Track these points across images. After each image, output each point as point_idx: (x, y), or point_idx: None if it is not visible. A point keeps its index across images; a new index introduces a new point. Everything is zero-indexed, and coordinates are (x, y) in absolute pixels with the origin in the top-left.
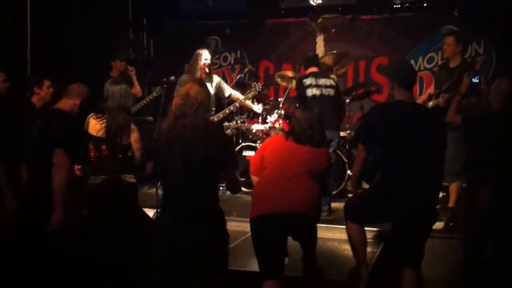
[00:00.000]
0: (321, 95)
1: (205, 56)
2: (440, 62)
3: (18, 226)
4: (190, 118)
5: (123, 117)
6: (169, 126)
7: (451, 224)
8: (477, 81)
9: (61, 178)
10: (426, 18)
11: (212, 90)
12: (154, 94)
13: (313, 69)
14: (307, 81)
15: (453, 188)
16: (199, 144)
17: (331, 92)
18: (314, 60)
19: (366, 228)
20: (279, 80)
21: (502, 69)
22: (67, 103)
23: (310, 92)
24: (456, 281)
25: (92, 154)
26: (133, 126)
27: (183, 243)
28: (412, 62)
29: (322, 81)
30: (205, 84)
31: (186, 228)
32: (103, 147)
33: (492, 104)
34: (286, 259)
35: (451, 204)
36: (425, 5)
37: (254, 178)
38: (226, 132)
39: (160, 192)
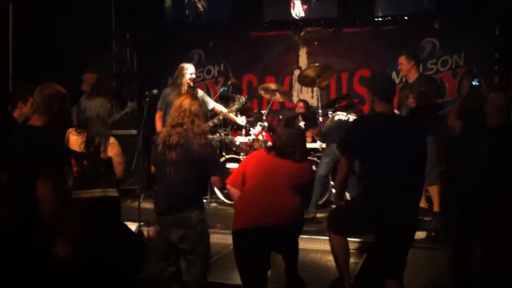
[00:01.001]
0: None
1: (190, 70)
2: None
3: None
4: (186, 127)
5: (100, 129)
6: (166, 135)
7: (433, 234)
8: (478, 83)
9: (52, 207)
10: (407, 31)
11: None
12: (127, 110)
13: None
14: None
15: (434, 191)
16: (194, 149)
17: None
18: None
19: (349, 239)
20: (262, 92)
21: (481, 81)
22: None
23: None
24: None
25: (75, 169)
26: (113, 140)
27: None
28: (393, 74)
29: None
30: (197, 97)
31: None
32: (85, 162)
33: (489, 116)
34: (269, 272)
35: (435, 208)
36: (406, 18)
37: (232, 190)
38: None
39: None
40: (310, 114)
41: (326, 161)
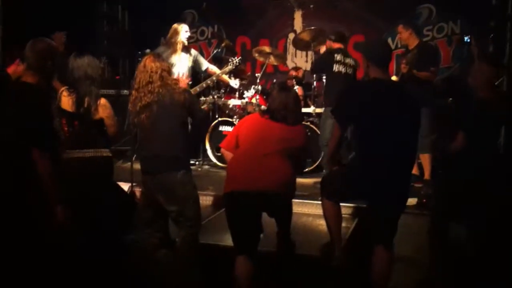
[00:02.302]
0: (346, 73)
1: (185, 28)
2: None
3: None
4: (157, 84)
5: (89, 89)
6: (136, 98)
7: (424, 200)
8: (469, 40)
9: (47, 168)
10: None
11: (189, 63)
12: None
13: (340, 45)
14: (338, 56)
15: (426, 160)
16: (176, 100)
17: (351, 72)
18: (343, 37)
19: (341, 204)
20: (256, 55)
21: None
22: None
23: (336, 67)
24: (426, 259)
25: (66, 129)
26: (104, 102)
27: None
28: (389, 40)
29: (348, 60)
30: (160, 55)
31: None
32: (76, 122)
33: (476, 89)
34: (262, 235)
35: (426, 176)
36: None
37: (226, 153)
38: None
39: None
40: (303, 78)
41: (331, 122)
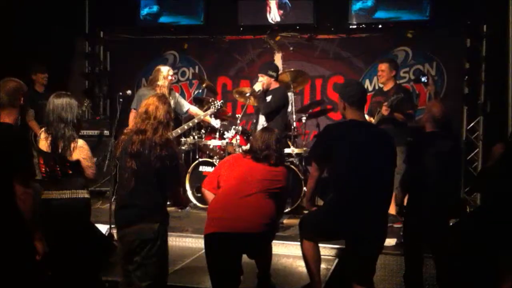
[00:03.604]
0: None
1: (171, 72)
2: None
3: None
4: (148, 135)
5: (63, 131)
6: (127, 141)
7: (402, 241)
8: (426, 80)
9: (30, 204)
10: (380, 39)
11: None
12: (83, 108)
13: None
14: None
15: (404, 200)
16: (153, 160)
17: None
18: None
19: (321, 245)
20: (237, 96)
21: (451, 90)
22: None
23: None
24: None
25: (43, 170)
26: (82, 143)
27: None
28: (367, 81)
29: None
30: (167, 101)
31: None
32: (52, 163)
33: (425, 124)
34: (241, 277)
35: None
36: (380, 26)
37: (207, 194)
38: (181, 147)
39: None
40: None
41: None
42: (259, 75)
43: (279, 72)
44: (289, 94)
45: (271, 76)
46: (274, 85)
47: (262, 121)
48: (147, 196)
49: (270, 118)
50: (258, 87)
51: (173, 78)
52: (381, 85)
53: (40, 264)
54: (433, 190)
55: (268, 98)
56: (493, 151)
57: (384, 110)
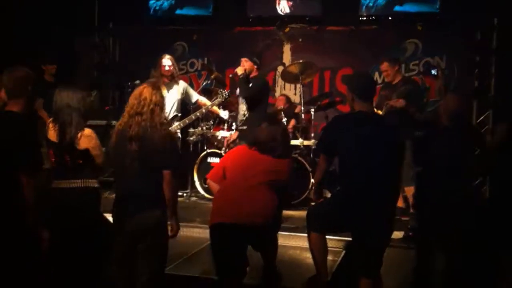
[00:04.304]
0: None
1: (164, 62)
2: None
3: None
4: (146, 117)
5: (69, 117)
6: (125, 126)
7: (410, 234)
8: (436, 73)
9: (33, 194)
10: (390, 31)
11: (178, 96)
12: (91, 98)
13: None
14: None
15: (411, 192)
16: (153, 142)
17: None
18: None
19: (328, 237)
20: None
21: (463, 83)
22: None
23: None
24: None
25: (53, 159)
26: (89, 132)
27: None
28: (376, 74)
29: None
30: (159, 87)
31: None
32: (61, 152)
33: (441, 118)
34: (248, 268)
35: (412, 209)
36: (390, 18)
37: (212, 185)
38: (189, 138)
39: None
40: (291, 109)
41: None
42: (244, 59)
43: (288, 64)
44: (298, 86)
45: (254, 62)
46: (255, 73)
47: (242, 111)
48: (149, 181)
49: (252, 108)
50: (240, 70)
51: (168, 67)
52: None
53: (43, 261)
54: (443, 185)
55: (250, 85)
56: (496, 132)
57: (395, 102)
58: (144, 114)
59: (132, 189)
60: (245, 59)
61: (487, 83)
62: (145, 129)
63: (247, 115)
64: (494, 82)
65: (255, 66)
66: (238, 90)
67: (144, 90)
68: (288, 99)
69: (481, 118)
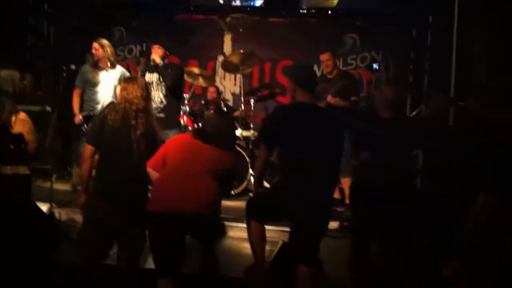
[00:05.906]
0: None
1: (93, 46)
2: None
3: None
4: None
5: (4, 102)
6: (121, 116)
7: (345, 223)
8: (377, 67)
9: None
10: (330, 25)
11: (115, 82)
12: (25, 83)
13: None
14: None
15: (346, 184)
16: (156, 132)
17: None
18: None
19: (266, 227)
20: (185, 76)
21: (397, 78)
22: None
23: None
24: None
25: None
26: (24, 116)
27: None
28: (315, 66)
29: None
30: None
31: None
32: None
33: (379, 111)
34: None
35: (347, 200)
36: (329, 12)
37: (152, 172)
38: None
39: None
40: (222, 100)
41: None
42: (156, 46)
43: (228, 54)
44: (238, 76)
45: (166, 49)
46: (167, 60)
47: (158, 97)
48: (140, 168)
49: (172, 95)
50: (159, 59)
51: (98, 52)
52: (325, 73)
53: None
54: (380, 177)
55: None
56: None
57: (330, 99)
58: (147, 112)
59: (132, 175)
60: (158, 46)
61: (421, 79)
62: (148, 127)
63: (164, 102)
64: (427, 78)
65: (167, 52)
66: (149, 76)
67: (140, 80)
68: (218, 90)
69: (414, 113)
